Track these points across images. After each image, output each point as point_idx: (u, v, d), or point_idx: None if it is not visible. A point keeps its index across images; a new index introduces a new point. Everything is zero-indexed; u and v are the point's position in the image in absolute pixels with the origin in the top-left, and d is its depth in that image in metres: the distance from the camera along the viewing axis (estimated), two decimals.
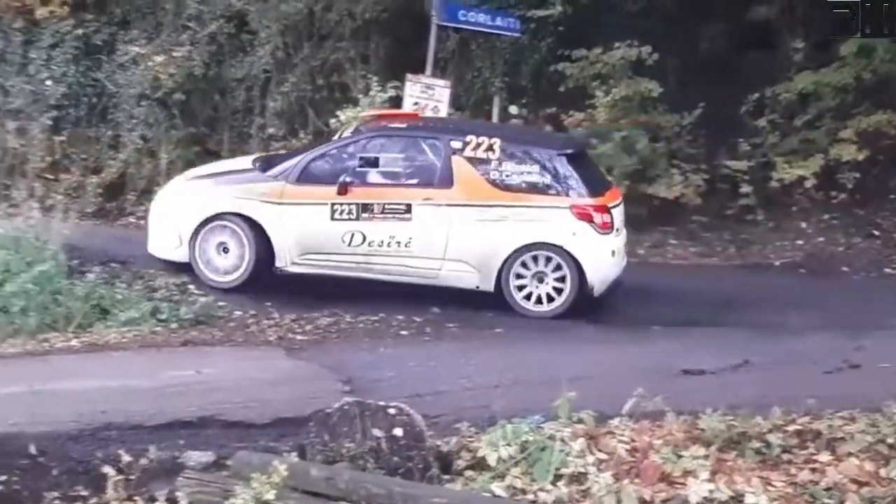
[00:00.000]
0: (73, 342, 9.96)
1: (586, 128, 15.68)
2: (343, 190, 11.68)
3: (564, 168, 11.87)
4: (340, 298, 11.36)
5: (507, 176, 11.73)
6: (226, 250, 11.73)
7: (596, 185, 12.14)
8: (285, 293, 11.50)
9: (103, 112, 16.52)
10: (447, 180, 11.75)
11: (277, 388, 8.20)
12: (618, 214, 12.07)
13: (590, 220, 11.62)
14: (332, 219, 11.66)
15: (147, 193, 15.77)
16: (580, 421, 6.82)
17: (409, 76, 15.53)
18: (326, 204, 11.64)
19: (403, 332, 10.63)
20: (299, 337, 10.35)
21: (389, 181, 11.82)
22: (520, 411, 7.06)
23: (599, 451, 6.61)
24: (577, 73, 15.69)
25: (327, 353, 9.60)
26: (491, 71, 16.45)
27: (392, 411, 6.40)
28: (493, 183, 11.72)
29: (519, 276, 11.58)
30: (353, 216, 11.65)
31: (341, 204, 11.70)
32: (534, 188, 11.74)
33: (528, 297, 11.58)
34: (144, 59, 16.41)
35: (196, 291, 11.46)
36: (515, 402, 7.25)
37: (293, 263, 11.75)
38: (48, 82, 16.49)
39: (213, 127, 16.63)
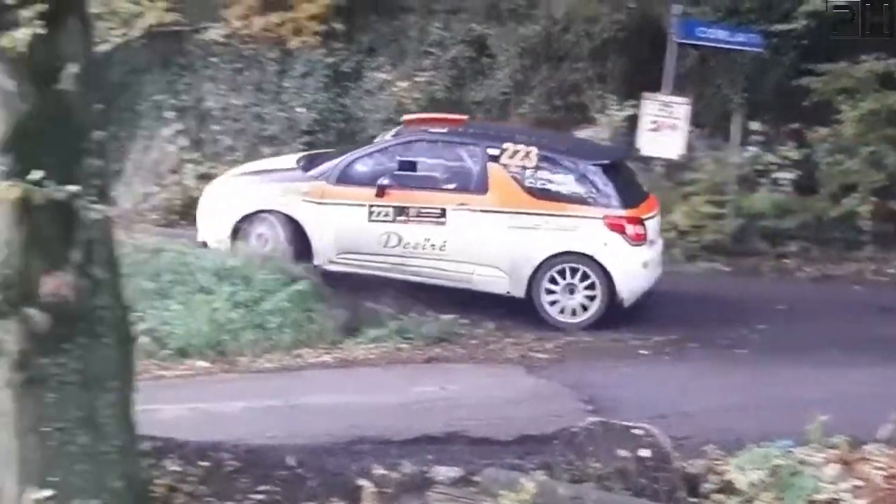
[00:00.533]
0: (325, 358, 10.43)
1: (831, 143, 15.23)
2: (381, 192, 11.93)
3: (599, 178, 12.00)
4: None
5: (542, 184, 11.90)
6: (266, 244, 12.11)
7: (630, 197, 12.18)
8: (525, 312, 11.65)
9: (351, 136, 17.08)
10: (482, 186, 11.98)
11: (519, 406, 8.37)
12: (652, 226, 12.12)
13: (622, 231, 11.75)
14: (370, 220, 11.95)
15: None
16: (833, 446, 6.64)
17: (645, 95, 15.46)
18: (364, 205, 11.91)
19: (643, 352, 10.63)
20: (539, 355, 10.50)
21: (426, 185, 12.04)
22: (767, 434, 6.97)
23: (854, 477, 6.42)
24: (822, 87, 15.24)
25: (567, 372, 9.71)
26: (730, 87, 16.20)
27: (638, 432, 6.42)
28: (528, 190, 11.90)
29: (552, 282, 11.71)
30: (390, 218, 11.94)
31: (379, 206, 11.93)
32: (567, 197, 11.89)
33: (559, 309, 11.75)
34: (389, 84, 16.91)
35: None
36: (762, 425, 7.18)
37: (330, 262, 12.04)
38: (300, 109, 17.18)
39: None
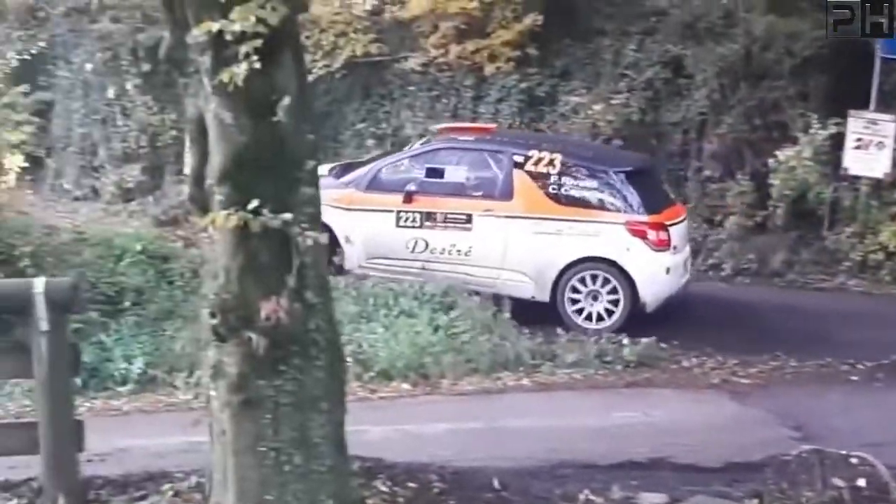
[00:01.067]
0: (524, 381, 10.46)
1: None
2: (408, 198, 12.03)
3: (622, 185, 12.11)
4: (780, 341, 11.16)
5: (566, 190, 12.08)
6: None
7: (654, 203, 12.24)
8: (724, 335, 11.45)
9: None
10: (508, 193, 12.20)
11: (724, 433, 8.21)
12: (677, 232, 12.17)
13: (644, 236, 11.83)
14: (398, 226, 12.18)
15: None
16: None
17: (851, 112, 15.04)
18: (392, 211, 12.06)
19: (853, 378, 10.29)
20: (743, 381, 10.29)
21: (453, 192, 12.15)
22: None
23: None
24: None
25: (773, 398, 9.48)
26: None
27: (854, 461, 6.23)
28: (552, 197, 12.08)
29: (575, 290, 11.87)
30: (417, 224, 12.12)
31: (406, 212, 11.98)
32: (591, 203, 12.04)
33: (583, 314, 11.92)
34: (584, 107, 16.89)
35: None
36: None
37: (360, 266, 12.25)
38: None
39: None
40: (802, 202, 15.49)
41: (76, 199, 18.63)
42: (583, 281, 12.06)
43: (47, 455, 5.64)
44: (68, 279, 5.42)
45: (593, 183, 12.23)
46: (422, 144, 13.36)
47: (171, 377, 10.43)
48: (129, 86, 18.45)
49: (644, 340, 11.29)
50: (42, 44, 18.55)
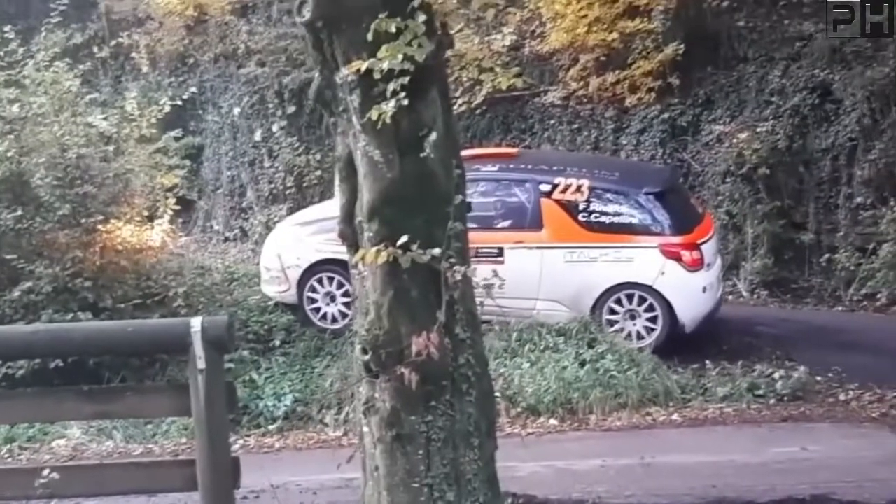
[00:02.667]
0: (675, 416, 10.28)
1: None
2: None
3: (652, 206, 11.97)
4: None
5: (596, 217, 11.97)
6: (332, 299, 12.42)
7: (685, 222, 12.09)
8: (881, 366, 11.08)
9: (690, 189, 16.88)
10: (537, 223, 12.09)
11: (887, 468, 7.90)
12: (709, 249, 11.99)
13: (678, 258, 11.68)
14: None
15: (733, 269, 15.97)
16: None
17: None
18: None
19: None
20: None
21: (482, 225, 11.68)
22: None
23: None
24: None
25: None
26: None
27: None
28: (582, 224, 11.97)
29: (613, 312, 11.70)
30: None
31: None
32: (622, 228, 11.87)
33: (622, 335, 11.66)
34: (728, 136, 16.59)
35: (792, 366, 11.37)
36: None
37: None
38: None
39: (798, 199, 16.36)
40: None
41: (226, 240, 19.11)
42: (619, 302, 11.97)
43: (205, 492, 5.72)
44: (223, 318, 5.50)
45: (623, 207, 12.13)
46: None
47: (321, 414, 10.56)
48: (275, 128, 18.87)
49: (796, 374, 10.97)
50: (193, 89, 19.10)
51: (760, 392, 10.72)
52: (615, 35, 17.28)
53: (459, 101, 17.73)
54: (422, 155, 5.60)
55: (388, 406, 5.63)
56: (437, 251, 5.56)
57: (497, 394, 10.38)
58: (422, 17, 5.38)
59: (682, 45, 16.96)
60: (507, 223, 12.46)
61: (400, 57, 5.31)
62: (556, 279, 12.12)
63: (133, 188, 12.85)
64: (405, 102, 5.35)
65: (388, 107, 5.35)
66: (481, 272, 11.97)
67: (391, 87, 5.36)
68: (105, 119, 12.90)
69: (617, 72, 17.37)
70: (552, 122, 18.00)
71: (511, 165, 13.07)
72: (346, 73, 5.54)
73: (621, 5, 17.36)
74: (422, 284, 5.67)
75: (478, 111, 18.02)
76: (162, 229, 13.24)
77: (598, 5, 17.37)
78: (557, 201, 12.28)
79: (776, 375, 11.07)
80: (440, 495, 5.62)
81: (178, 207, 14.37)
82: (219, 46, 19.96)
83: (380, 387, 5.67)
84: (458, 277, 5.62)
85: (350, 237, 5.95)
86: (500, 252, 12.27)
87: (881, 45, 16.06)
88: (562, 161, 13.95)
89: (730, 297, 15.37)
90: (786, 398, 10.60)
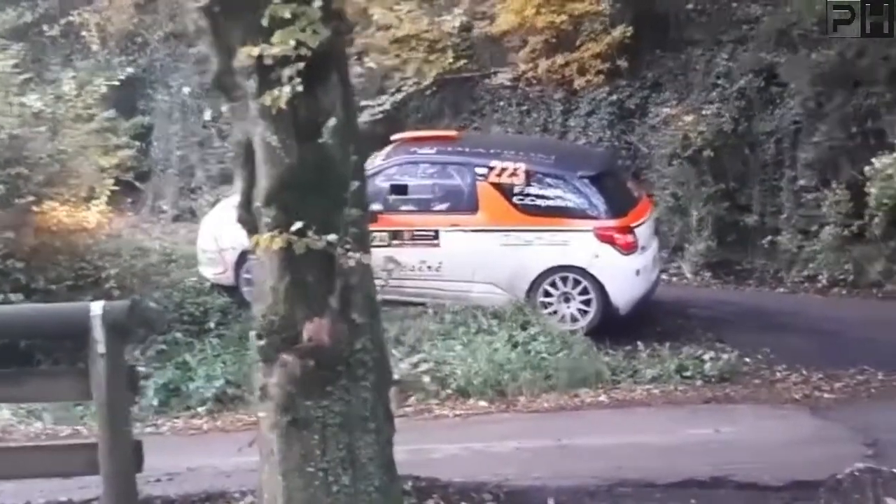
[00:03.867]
0: (602, 398, 10.36)
1: None
2: (374, 218, 11.59)
3: (587, 189, 12.14)
4: (869, 354, 10.85)
5: (531, 200, 12.09)
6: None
7: (619, 205, 12.26)
8: (813, 348, 11.19)
9: (636, 173, 16.95)
10: (473, 206, 12.20)
11: (797, 450, 7.99)
12: (643, 232, 12.19)
13: (612, 241, 11.85)
14: None
15: (678, 251, 16.08)
16: None
17: None
18: None
19: None
20: (826, 395, 10.05)
21: (418, 208, 12.13)
22: None
23: None
24: None
25: (856, 414, 9.21)
26: None
27: None
28: (518, 207, 12.06)
29: (547, 295, 11.85)
30: (385, 243, 11.91)
31: (373, 232, 11.63)
32: (557, 211, 12.02)
33: (556, 317, 11.91)
34: (675, 119, 16.68)
35: (722, 347, 11.49)
36: None
37: None
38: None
39: (742, 181, 16.48)
40: None
41: (175, 219, 19.07)
42: (554, 285, 12.09)
43: (106, 476, 5.73)
44: (124, 303, 5.51)
45: (558, 191, 12.25)
46: (383, 160, 13.19)
47: (251, 396, 10.57)
48: (223, 108, 18.74)
49: (725, 356, 11.09)
50: (129, 70, 18.89)
51: (688, 374, 10.83)
52: (564, 17, 17.34)
53: (409, 83, 17.76)
54: (320, 141, 5.61)
55: (283, 391, 5.65)
56: (332, 237, 5.57)
57: (427, 377, 10.51)
58: (318, 3, 5.38)
59: (631, 28, 17.06)
60: (443, 206, 12.52)
61: (293, 43, 5.32)
62: (491, 262, 12.18)
63: (70, 169, 12.79)
64: (300, 89, 5.36)
65: (283, 92, 5.36)
66: (419, 254, 12.24)
67: (286, 72, 5.37)
68: (39, 99, 12.81)
69: (566, 54, 17.44)
70: (501, 103, 18.05)
71: (449, 148, 13.12)
72: (243, 58, 5.55)
73: None
74: (318, 270, 5.68)
75: (427, 92, 18.01)
76: (98, 210, 13.19)
77: None
78: (494, 184, 12.34)
79: (705, 357, 11.21)
80: (335, 479, 5.65)
81: (116, 188, 14.32)
82: (169, 25, 19.87)
83: (275, 372, 5.70)
84: (352, 264, 5.63)
85: (249, 223, 5.95)
86: (436, 235, 12.35)
87: (826, 29, 16.15)
88: (500, 144, 14.11)
89: (674, 279, 15.54)
90: (713, 380, 10.72)
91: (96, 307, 5.59)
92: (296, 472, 5.67)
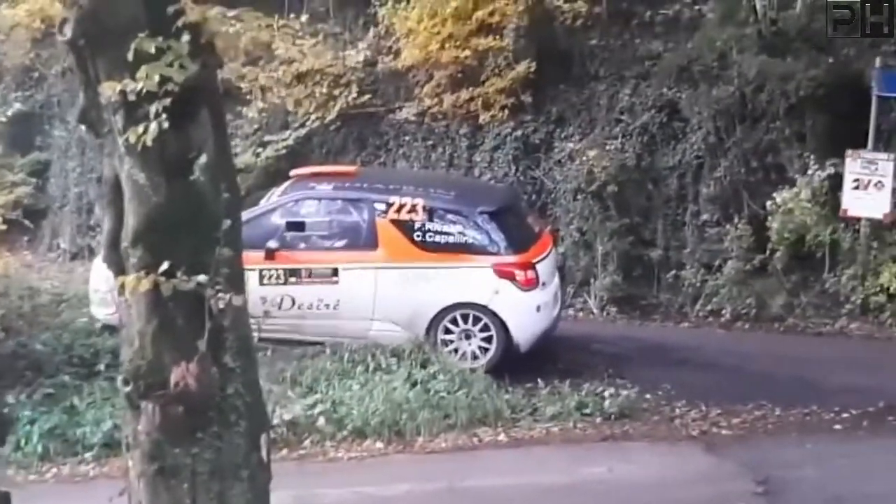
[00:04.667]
0: (501, 437, 10.24)
1: None
2: (270, 255, 11.83)
3: (486, 225, 12.13)
4: (768, 389, 10.89)
5: (431, 237, 12.02)
6: None
7: (520, 241, 12.26)
8: (713, 383, 11.20)
9: (542, 208, 16.93)
10: (372, 242, 12.08)
11: (689, 488, 8.00)
12: (544, 268, 12.17)
13: (512, 277, 11.79)
14: (261, 284, 11.62)
15: (584, 286, 16.06)
16: None
17: (849, 152, 14.80)
18: (255, 269, 11.39)
19: (836, 427, 10.00)
20: (724, 432, 10.05)
21: (316, 245, 12.03)
22: None
23: None
24: None
25: (749, 450, 9.24)
26: None
27: None
28: (417, 244, 12.00)
29: (448, 332, 11.76)
30: (282, 281, 11.87)
31: (269, 269, 11.71)
32: (457, 248, 11.98)
33: (457, 355, 11.73)
34: (579, 154, 16.69)
35: (623, 384, 11.45)
36: None
37: None
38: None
39: (646, 216, 16.53)
40: (801, 245, 15.16)
41: (73, 258, 18.60)
42: (454, 322, 11.98)
43: None
44: None
45: (458, 227, 12.17)
46: (280, 196, 12.99)
47: None
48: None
49: (625, 392, 11.04)
50: (18, 105, 18.45)
51: (588, 411, 10.75)
52: (468, 52, 17.29)
53: (313, 117, 17.61)
54: (191, 178, 5.42)
55: (150, 438, 5.43)
56: (202, 278, 5.37)
57: (322, 418, 10.29)
58: (186, 38, 5.21)
59: (534, 63, 17.04)
60: (342, 243, 12.32)
61: (157, 78, 5.14)
62: (391, 300, 11.99)
63: None
64: (166, 125, 5.18)
65: (150, 129, 5.17)
66: (316, 293, 12.00)
67: (153, 108, 5.19)
68: None
69: (471, 89, 17.37)
70: (407, 138, 17.90)
71: (348, 184, 12.91)
72: (108, 93, 5.35)
73: (474, 23, 17.38)
74: (187, 313, 5.47)
75: (332, 127, 17.85)
76: None
77: (450, 22, 17.37)
78: (393, 221, 12.19)
79: (605, 394, 11.13)
80: None
81: (4, 227, 13.91)
82: (66, 60, 19.44)
83: (142, 419, 5.47)
84: (222, 305, 5.43)
85: (116, 264, 5.73)
86: (335, 272, 12.13)
87: (726, 65, 16.35)
88: (399, 180, 13.90)
89: (580, 314, 15.50)
90: (612, 417, 10.64)
91: None
92: None
